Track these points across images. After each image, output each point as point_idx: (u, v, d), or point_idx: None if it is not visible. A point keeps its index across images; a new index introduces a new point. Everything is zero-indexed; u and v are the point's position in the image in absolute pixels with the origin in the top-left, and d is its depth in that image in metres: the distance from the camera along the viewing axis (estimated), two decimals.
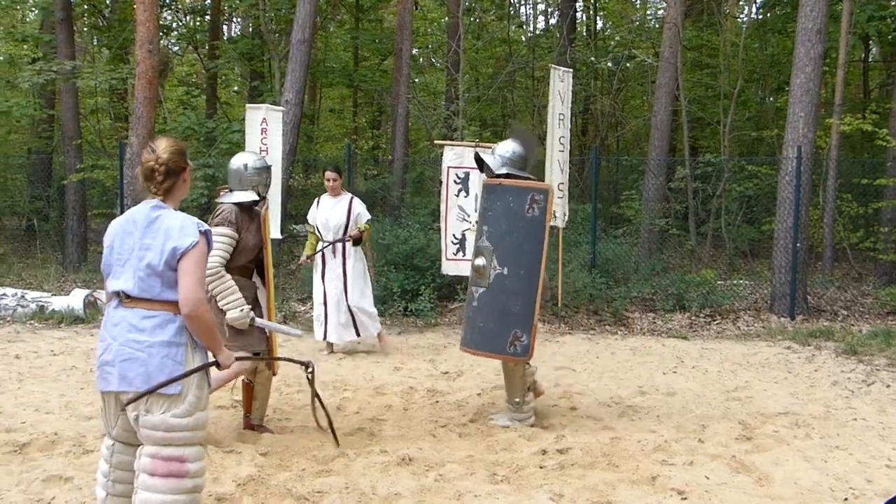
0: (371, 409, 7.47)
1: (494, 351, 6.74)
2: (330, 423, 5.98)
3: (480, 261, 6.75)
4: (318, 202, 9.98)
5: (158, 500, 3.90)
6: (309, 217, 10.01)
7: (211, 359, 4.16)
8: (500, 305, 6.65)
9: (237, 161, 6.55)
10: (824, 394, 8.21)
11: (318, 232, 9.82)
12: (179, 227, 3.94)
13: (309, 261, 10.01)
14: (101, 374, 3.99)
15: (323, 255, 9.80)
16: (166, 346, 3.90)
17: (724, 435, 6.60)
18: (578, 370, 9.32)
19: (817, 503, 5.13)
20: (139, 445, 4.06)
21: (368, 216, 9.95)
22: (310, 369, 5.73)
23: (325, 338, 9.90)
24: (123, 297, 3.96)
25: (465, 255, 11.16)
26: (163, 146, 4.09)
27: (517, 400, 6.92)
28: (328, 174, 9.96)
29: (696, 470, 5.69)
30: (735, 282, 14.17)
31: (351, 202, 9.84)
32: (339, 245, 9.75)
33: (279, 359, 5.89)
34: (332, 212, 9.78)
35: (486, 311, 6.71)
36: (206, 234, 4.01)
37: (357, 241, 9.76)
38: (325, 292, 9.79)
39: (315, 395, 5.96)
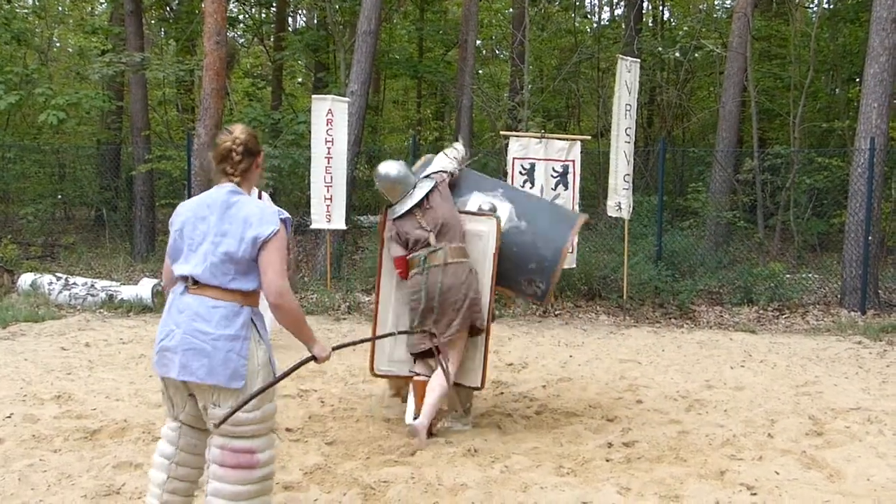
0: None
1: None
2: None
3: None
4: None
5: (229, 491, 3.90)
6: None
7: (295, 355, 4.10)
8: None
9: (405, 168, 6.48)
10: None
11: None
12: (259, 214, 3.89)
13: None
14: (161, 359, 3.94)
15: None
16: (231, 339, 3.84)
17: (794, 430, 6.47)
18: (644, 363, 9.22)
19: (891, 501, 5.01)
20: (204, 430, 4.08)
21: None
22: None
23: None
24: (191, 283, 3.91)
25: None
26: (240, 128, 4.06)
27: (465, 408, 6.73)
28: None
29: (766, 465, 5.59)
30: (804, 275, 13.94)
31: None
32: None
33: (399, 332, 5.48)
34: None
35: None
36: (285, 222, 3.96)
37: None
38: None
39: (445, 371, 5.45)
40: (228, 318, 3.86)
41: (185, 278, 3.94)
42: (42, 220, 17.46)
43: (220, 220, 3.91)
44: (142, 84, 18.44)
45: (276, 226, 3.88)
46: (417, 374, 6.37)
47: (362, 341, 5.03)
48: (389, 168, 6.38)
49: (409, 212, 6.30)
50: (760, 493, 5.05)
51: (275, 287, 3.83)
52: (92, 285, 12.50)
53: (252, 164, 4.08)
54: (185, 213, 4.02)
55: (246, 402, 3.81)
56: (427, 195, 6.32)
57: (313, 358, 4.10)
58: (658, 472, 5.41)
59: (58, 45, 27.90)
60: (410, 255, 6.28)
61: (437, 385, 6.11)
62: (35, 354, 8.98)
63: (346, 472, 5.36)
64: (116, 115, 20.91)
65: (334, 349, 4.26)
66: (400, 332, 5.18)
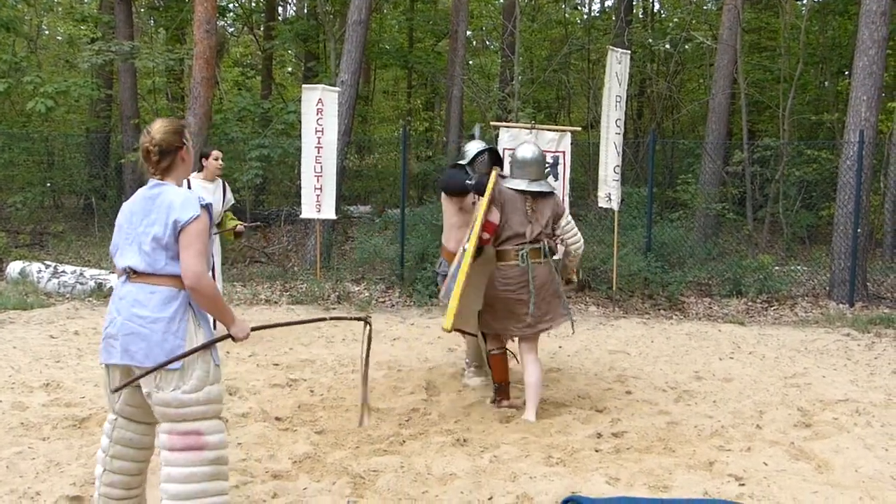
0: (425, 390, 7.46)
1: None
2: (364, 390, 5.09)
3: None
4: (188, 184, 8.41)
5: (179, 473, 3.93)
6: None
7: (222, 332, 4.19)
8: None
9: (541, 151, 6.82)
10: (885, 381, 8.06)
11: None
12: (181, 201, 3.96)
13: None
14: (105, 347, 4.05)
15: None
16: (168, 321, 3.92)
17: (783, 421, 6.50)
18: (633, 354, 9.24)
19: (879, 491, 5.03)
20: (143, 423, 4.15)
21: (232, 200, 9.26)
22: (368, 323, 5.12)
23: None
24: (130, 273, 3.99)
25: None
26: (157, 127, 4.13)
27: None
28: (217, 153, 8.91)
29: (755, 456, 5.61)
30: (793, 268, 13.98)
31: (225, 187, 9.06)
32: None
33: (332, 318, 5.31)
34: (213, 197, 8.62)
35: None
36: (207, 209, 4.02)
37: (239, 235, 9.14)
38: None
39: (367, 351, 5.20)
40: (165, 301, 3.94)
41: (124, 270, 4.01)
42: (31, 209, 17.37)
43: (147, 211, 4.01)
44: (131, 72, 18.38)
45: (197, 211, 3.94)
46: (491, 350, 6.86)
47: (284, 324, 4.92)
48: (526, 151, 6.67)
49: (521, 193, 6.54)
50: (749, 484, 5.06)
51: (191, 270, 3.89)
52: (81, 273, 12.46)
53: (174, 161, 4.16)
54: (124, 211, 4.14)
55: (167, 363, 3.86)
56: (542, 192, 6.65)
57: (230, 336, 4.14)
58: (647, 463, 5.42)
59: (47, 32, 27.73)
60: (509, 247, 6.48)
61: (536, 380, 6.62)
62: (24, 342, 8.95)
63: (336, 461, 5.37)
64: (105, 103, 20.81)
65: (253, 329, 4.30)
66: (332, 318, 5.07)
